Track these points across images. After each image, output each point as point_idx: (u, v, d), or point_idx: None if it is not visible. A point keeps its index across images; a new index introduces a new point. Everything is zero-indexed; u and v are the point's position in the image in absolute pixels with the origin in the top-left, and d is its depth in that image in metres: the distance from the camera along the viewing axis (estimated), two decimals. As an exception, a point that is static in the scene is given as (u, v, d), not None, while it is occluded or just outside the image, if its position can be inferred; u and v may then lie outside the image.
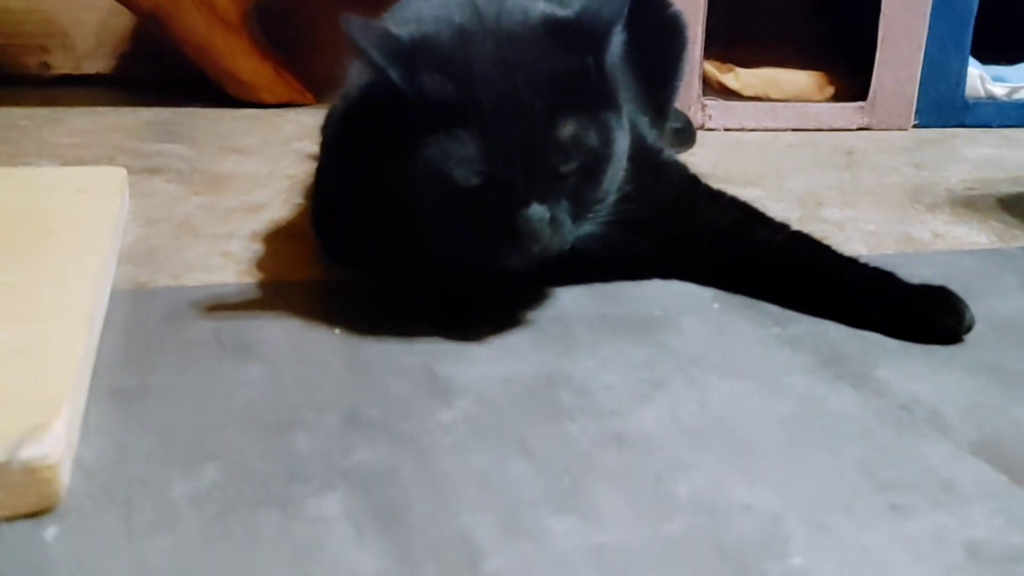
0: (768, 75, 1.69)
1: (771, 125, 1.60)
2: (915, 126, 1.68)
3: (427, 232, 0.66)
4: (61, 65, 1.78)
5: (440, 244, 0.66)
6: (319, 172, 0.83)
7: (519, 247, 0.64)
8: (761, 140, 1.51)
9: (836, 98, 1.68)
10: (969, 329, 0.71)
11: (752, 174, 1.24)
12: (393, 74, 0.61)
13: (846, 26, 1.77)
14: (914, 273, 0.74)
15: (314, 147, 1.20)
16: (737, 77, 1.69)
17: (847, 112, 1.64)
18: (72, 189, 0.87)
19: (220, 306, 0.70)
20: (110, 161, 1.16)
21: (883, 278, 0.74)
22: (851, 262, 0.76)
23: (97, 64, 1.79)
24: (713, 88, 1.69)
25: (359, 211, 0.71)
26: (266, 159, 1.21)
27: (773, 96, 1.67)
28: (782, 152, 1.41)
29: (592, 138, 0.65)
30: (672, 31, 1.19)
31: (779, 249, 0.77)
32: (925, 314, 0.71)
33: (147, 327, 0.67)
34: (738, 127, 1.59)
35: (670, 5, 1.19)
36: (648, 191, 0.74)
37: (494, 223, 0.63)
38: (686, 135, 1.44)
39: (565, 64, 0.65)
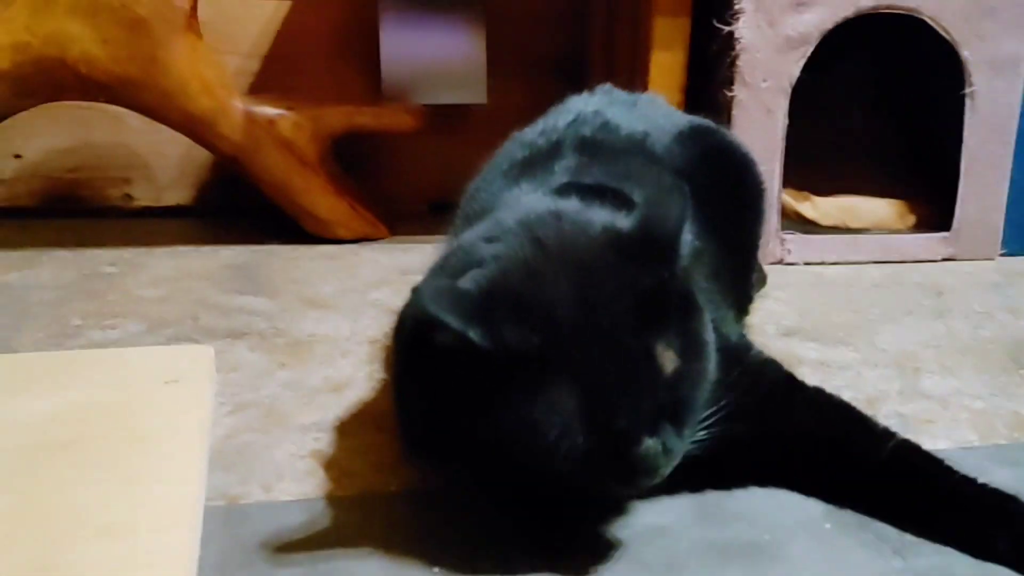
0: (846, 204, 1.66)
1: (853, 258, 1.57)
2: (1002, 254, 1.63)
3: (522, 472, 0.63)
4: (143, 197, 1.82)
5: (537, 481, 0.63)
6: (398, 382, 0.78)
7: (634, 483, 0.61)
8: (844, 276, 1.47)
9: (918, 226, 1.64)
10: None
11: (840, 326, 1.20)
12: (474, 335, 0.58)
13: (928, 148, 1.73)
14: None
15: (393, 298, 1.21)
16: (814, 206, 1.66)
17: (931, 243, 1.60)
18: (162, 378, 0.86)
19: (313, 535, 0.69)
20: (195, 321, 1.16)
21: (1005, 502, 0.69)
22: (965, 481, 0.71)
23: (178, 195, 1.83)
24: (790, 218, 1.66)
25: (445, 430, 0.68)
26: (346, 314, 1.20)
27: (852, 225, 1.64)
28: (868, 294, 1.37)
29: (690, 370, 0.63)
30: (745, 184, 1.10)
31: (886, 463, 0.73)
32: None
33: (240, 559, 0.66)
34: (819, 260, 1.56)
35: (737, 148, 1.12)
36: (742, 397, 0.71)
37: (604, 465, 0.60)
38: (759, 275, 1.40)
39: (642, 284, 0.62)
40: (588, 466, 0.60)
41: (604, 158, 0.88)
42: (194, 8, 1.40)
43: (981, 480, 0.72)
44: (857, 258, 1.57)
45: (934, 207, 1.63)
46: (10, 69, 1.32)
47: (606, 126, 0.97)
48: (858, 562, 0.67)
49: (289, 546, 0.67)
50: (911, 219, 1.66)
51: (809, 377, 0.99)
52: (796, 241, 1.55)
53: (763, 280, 1.40)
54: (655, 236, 0.63)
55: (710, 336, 0.66)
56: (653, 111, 1.08)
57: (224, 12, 1.76)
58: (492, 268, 0.63)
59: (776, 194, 1.52)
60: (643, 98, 1.11)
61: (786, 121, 1.50)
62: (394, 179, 1.85)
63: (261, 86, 1.79)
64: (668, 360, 0.61)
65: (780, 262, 1.54)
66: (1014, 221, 1.62)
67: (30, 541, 0.61)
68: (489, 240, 0.67)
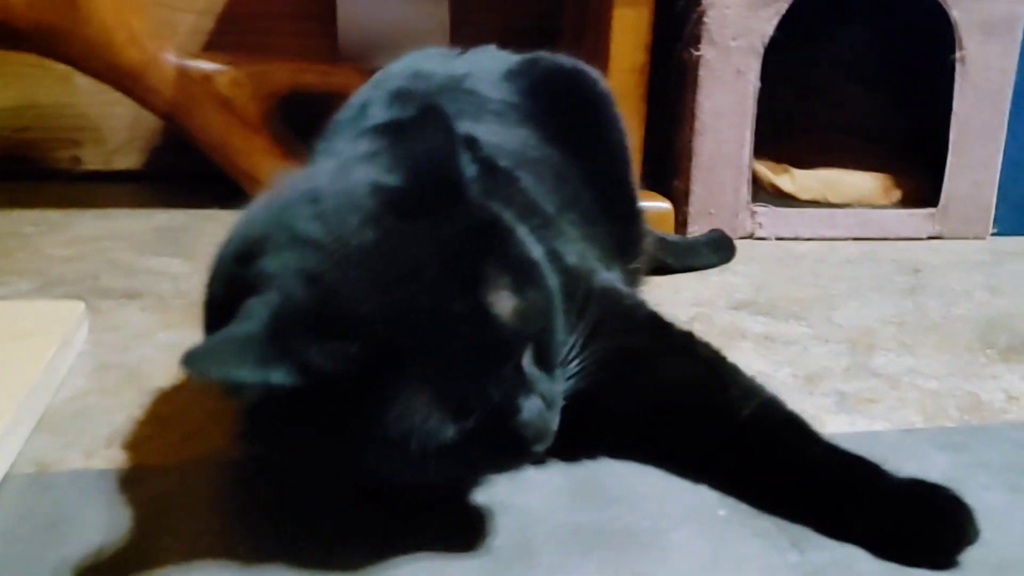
0: (827, 177, 1.55)
1: (829, 234, 1.46)
2: (994, 234, 1.51)
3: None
4: (92, 160, 1.74)
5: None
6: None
7: (529, 452, 0.53)
8: (816, 252, 1.36)
9: (904, 203, 1.53)
10: (969, 545, 0.56)
11: (800, 301, 1.10)
12: (278, 378, 0.47)
13: (921, 120, 1.61)
14: (979, 460, 0.61)
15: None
16: (793, 179, 1.55)
17: (916, 220, 1.48)
18: (8, 334, 0.78)
19: (115, 506, 0.60)
20: (94, 280, 1.08)
21: (863, 474, 0.60)
22: (828, 451, 0.62)
23: (128, 159, 1.75)
24: (766, 191, 1.56)
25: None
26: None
27: (832, 200, 1.53)
28: (838, 270, 1.26)
29: (531, 300, 0.53)
30: (590, 103, 0.98)
31: (743, 425, 0.64)
32: (909, 526, 0.57)
33: (23, 532, 0.57)
34: (792, 236, 1.45)
35: (571, 68, 0.99)
36: (602, 341, 0.62)
37: (491, 446, 0.52)
38: (721, 247, 1.30)
39: (441, 237, 0.52)
40: (471, 454, 0.52)
41: (412, 107, 0.79)
42: (120, -48, 1.31)
43: (917, 466, 0.64)
44: (833, 234, 1.46)
45: (924, 182, 1.52)
46: (-79, 13, 1.24)
47: (418, 75, 0.88)
48: (746, 554, 0.57)
49: (81, 518, 0.58)
50: (896, 194, 1.54)
51: (749, 352, 0.91)
52: (768, 215, 1.45)
53: (729, 248, 1.30)
54: (429, 178, 0.53)
55: (535, 251, 0.57)
56: (481, 56, 0.99)
57: (178, -33, 1.68)
58: (267, 295, 0.50)
59: (746, 163, 1.41)
60: (474, 50, 1.02)
61: (758, 84, 1.39)
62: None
63: (216, 45, 1.71)
64: (505, 302, 0.51)
65: (751, 236, 1.44)
66: (1008, 198, 1.51)
67: None
68: (248, 258, 0.54)
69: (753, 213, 1.44)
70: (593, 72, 0.99)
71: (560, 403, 0.55)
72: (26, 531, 0.57)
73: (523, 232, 0.57)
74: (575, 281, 0.65)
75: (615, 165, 0.95)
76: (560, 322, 0.56)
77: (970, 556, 0.56)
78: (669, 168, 1.45)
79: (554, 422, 0.54)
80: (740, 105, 1.39)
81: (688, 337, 0.70)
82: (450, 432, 0.50)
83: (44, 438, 0.68)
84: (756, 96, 1.40)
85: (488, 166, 0.74)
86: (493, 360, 0.51)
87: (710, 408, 0.65)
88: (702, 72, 1.37)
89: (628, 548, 0.57)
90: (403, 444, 0.49)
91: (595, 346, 0.61)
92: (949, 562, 0.56)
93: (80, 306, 0.87)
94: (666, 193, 1.43)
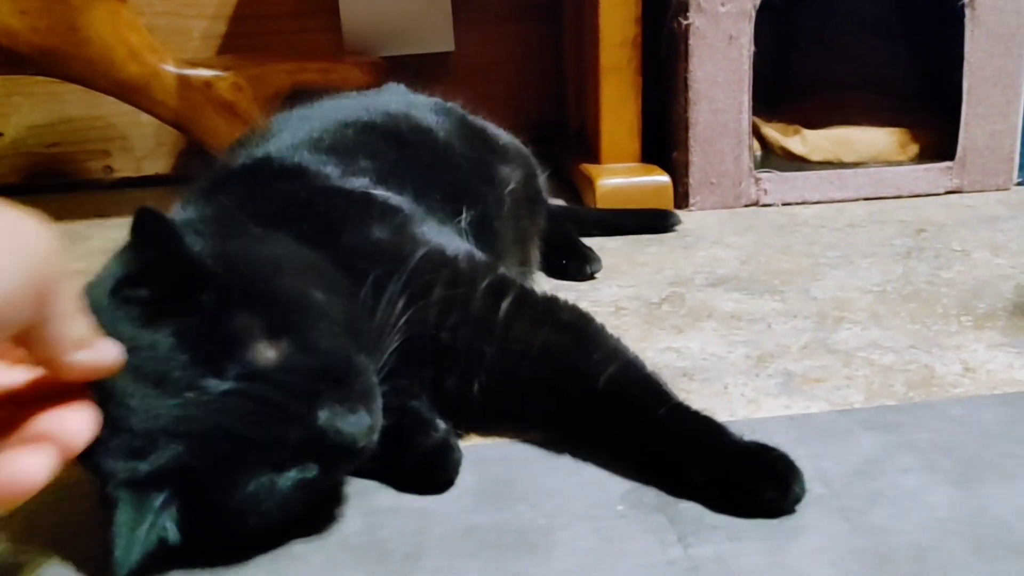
0: (840, 135, 1.51)
1: (839, 196, 1.42)
2: (1020, 183, 1.45)
3: None
4: (123, 168, 1.82)
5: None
6: None
7: (355, 455, 0.55)
8: (821, 217, 1.33)
9: (922, 157, 1.47)
10: (797, 501, 0.60)
11: (783, 273, 1.08)
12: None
13: (936, 70, 1.55)
14: (906, 440, 0.63)
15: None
16: (804, 140, 1.52)
17: (932, 175, 1.43)
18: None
19: None
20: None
21: (705, 434, 0.63)
22: (676, 410, 0.64)
23: (157, 165, 1.82)
24: (777, 154, 1.53)
25: None
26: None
27: (846, 159, 1.49)
28: (836, 236, 1.23)
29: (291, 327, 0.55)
30: None
31: (603, 388, 0.66)
32: (743, 483, 0.60)
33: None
34: (799, 200, 1.42)
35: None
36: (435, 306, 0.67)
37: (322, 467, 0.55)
38: (658, 219, 1.30)
39: (182, 322, 0.52)
40: (317, 479, 0.55)
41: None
42: (112, -29, 1.36)
43: (839, 448, 0.67)
44: (844, 196, 1.42)
45: (943, 135, 1.46)
46: (-68, 46, 1.32)
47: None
48: (630, 550, 0.57)
49: None
50: (914, 149, 1.49)
51: (709, 333, 0.91)
52: (773, 180, 1.42)
53: (666, 223, 1.29)
54: (144, 248, 0.53)
55: (297, 261, 0.60)
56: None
57: (188, -26, 1.73)
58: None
59: (746, 129, 1.39)
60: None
61: (752, 48, 1.36)
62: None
63: (229, 47, 1.76)
64: (267, 353, 0.53)
65: (755, 203, 1.41)
66: (1032, 145, 1.44)
67: None
68: None
69: (757, 180, 1.41)
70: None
71: (373, 392, 0.56)
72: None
73: (279, 242, 0.61)
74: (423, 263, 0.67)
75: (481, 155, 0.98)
76: (336, 337, 0.57)
77: (857, 542, 0.56)
78: (668, 141, 1.43)
79: (366, 417, 0.55)
80: (735, 72, 1.36)
81: (551, 303, 0.72)
82: (286, 483, 0.53)
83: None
84: (751, 60, 1.36)
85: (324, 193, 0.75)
86: (276, 419, 0.52)
87: (571, 374, 0.67)
88: (692, 40, 1.35)
89: (515, 548, 0.58)
90: (254, 510, 0.53)
91: (425, 317, 0.64)
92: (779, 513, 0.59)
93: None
94: (666, 167, 1.42)
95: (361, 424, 0.54)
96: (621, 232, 1.27)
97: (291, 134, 0.85)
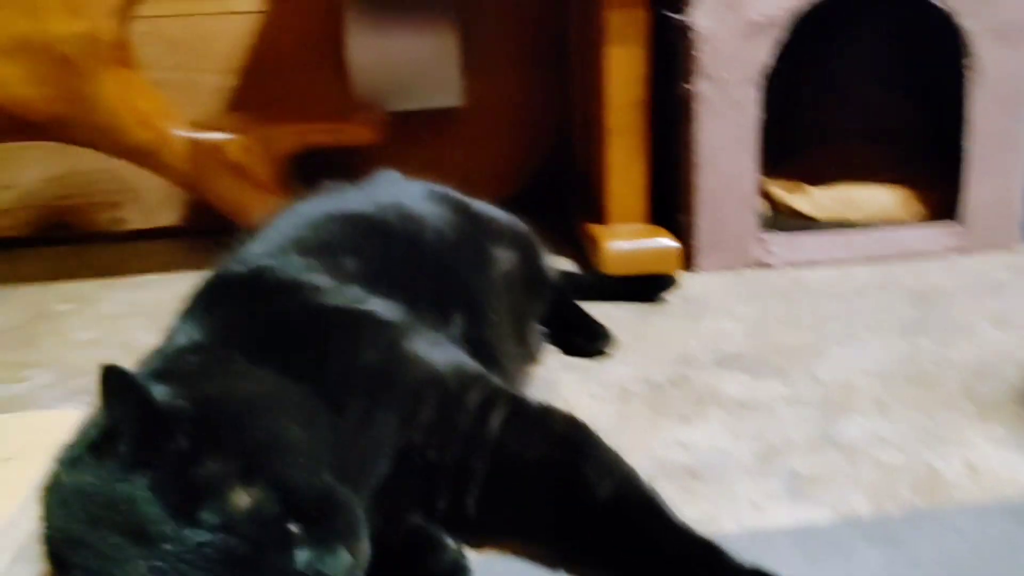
0: (845, 194, 1.52)
1: (844, 256, 1.43)
2: (1025, 243, 1.46)
3: None
4: (134, 220, 1.83)
5: None
6: None
7: None
8: (826, 281, 1.34)
9: (929, 216, 1.48)
10: None
11: (788, 350, 1.09)
12: None
13: (942, 125, 1.56)
14: (911, 556, 0.63)
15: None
16: (810, 199, 1.53)
17: (937, 235, 1.44)
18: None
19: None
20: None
21: (704, 561, 0.63)
22: (675, 532, 0.65)
23: (167, 217, 1.83)
24: (782, 212, 1.53)
25: None
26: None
27: (852, 218, 1.50)
28: (841, 304, 1.24)
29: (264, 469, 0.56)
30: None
31: (600, 505, 0.67)
32: None
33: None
34: (805, 261, 1.42)
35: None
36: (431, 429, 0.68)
37: None
38: (654, 286, 1.29)
39: (160, 480, 0.54)
40: None
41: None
42: (122, 41, 1.37)
43: (844, 565, 0.67)
44: (850, 256, 1.43)
45: (949, 193, 1.47)
46: (-55, 115, 1.33)
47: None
48: None
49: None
50: (919, 208, 1.50)
51: (715, 424, 0.91)
52: (778, 241, 1.42)
53: (599, 341, 1.15)
54: (113, 404, 0.55)
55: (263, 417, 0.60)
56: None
57: (197, 31, 1.74)
58: None
59: (751, 192, 1.39)
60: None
61: (758, 113, 1.36)
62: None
63: (240, 101, 1.77)
64: (240, 499, 0.54)
65: (759, 264, 1.42)
66: (1037, 205, 1.45)
67: None
68: None
69: (763, 241, 1.42)
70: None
71: (355, 526, 0.57)
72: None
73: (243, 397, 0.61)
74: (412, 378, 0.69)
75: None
76: (313, 479, 0.58)
77: None
78: (674, 202, 1.44)
79: (346, 555, 0.56)
80: (741, 137, 1.37)
81: (544, 415, 0.72)
82: None
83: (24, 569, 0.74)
84: (758, 125, 1.37)
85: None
86: (253, 569, 0.53)
87: (568, 490, 0.67)
88: (698, 105, 1.36)
89: None
90: None
91: (412, 439, 0.66)
92: None
93: (72, 416, 0.92)
94: (673, 227, 1.43)
95: (341, 563, 0.55)
96: (618, 299, 1.27)
97: (280, 232, 0.87)
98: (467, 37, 1.72)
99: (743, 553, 0.64)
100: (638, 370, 1.06)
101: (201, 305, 0.76)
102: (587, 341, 1.11)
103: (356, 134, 1.55)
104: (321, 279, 0.78)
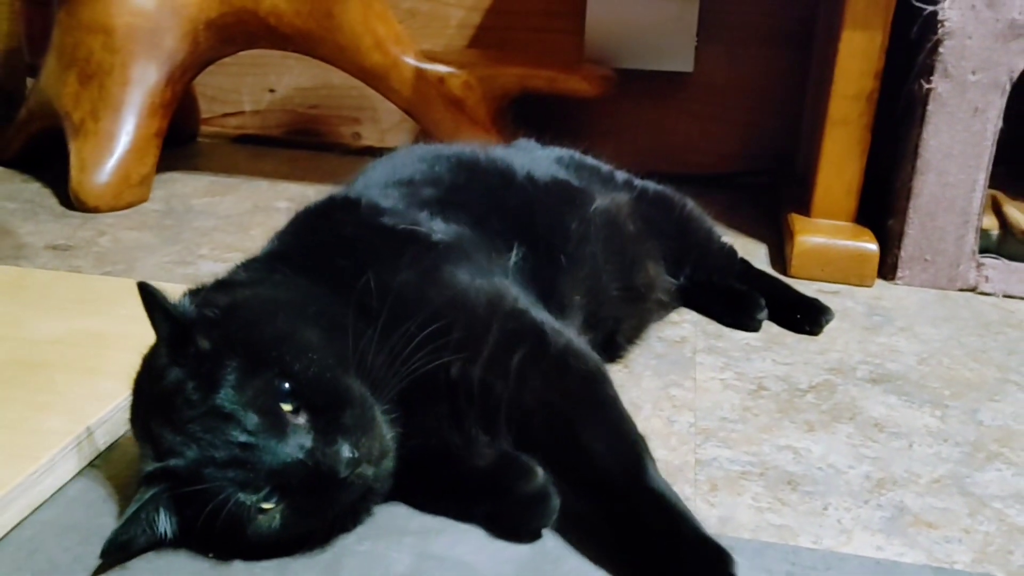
0: (1094, 229, 1.35)
1: (1075, 296, 1.27)
2: None
3: None
4: (369, 136, 1.96)
5: None
6: None
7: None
8: (1040, 320, 1.20)
9: None
10: None
11: (960, 383, 0.99)
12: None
13: None
14: None
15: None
16: (1051, 226, 1.37)
17: None
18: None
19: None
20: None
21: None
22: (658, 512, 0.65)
23: (399, 139, 1.95)
24: (1015, 236, 1.38)
25: None
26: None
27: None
28: (1044, 347, 1.11)
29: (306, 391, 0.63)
30: None
31: (585, 467, 0.68)
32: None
33: None
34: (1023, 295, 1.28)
35: None
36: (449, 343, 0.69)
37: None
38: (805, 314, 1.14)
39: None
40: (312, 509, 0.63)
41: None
42: (371, -34, 1.46)
43: None
44: (1081, 297, 1.27)
45: None
46: (216, 19, 1.48)
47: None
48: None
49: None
50: None
51: (840, 438, 0.86)
52: (998, 268, 1.29)
53: (814, 320, 1.12)
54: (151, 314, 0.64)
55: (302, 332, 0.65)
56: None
57: (453, -34, 1.82)
58: None
59: (977, 209, 1.27)
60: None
61: (999, 123, 1.24)
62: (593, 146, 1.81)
63: (481, 37, 1.84)
64: (245, 393, 0.61)
65: (972, 290, 1.29)
66: None
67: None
68: None
69: (979, 265, 1.29)
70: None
71: (367, 423, 0.62)
72: None
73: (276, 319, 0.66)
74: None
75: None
76: (343, 383, 0.63)
77: None
78: (885, 206, 1.34)
79: (347, 449, 0.60)
80: (974, 146, 1.25)
81: (563, 360, 0.72)
82: (272, 517, 0.61)
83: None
84: (996, 136, 1.24)
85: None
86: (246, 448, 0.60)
87: (568, 448, 0.68)
88: (931, 106, 1.25)
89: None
90: (240, 532, 0.61)
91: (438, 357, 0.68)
92: None
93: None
94: (879, 233, 1.33)
95: (339, 455, 0.59)
96: (768, 307, 1.14)
97: (384, 167, 0.96)
98: (711, 7, 1.68)
99: (802, 568, 0.61)
100: (784, 368, 1.01)
101: (292, 224, 0.85)
102: (742, 315, 1.12)
103: (575, 85, 1.57)
104: (389, 203, 0.83)
